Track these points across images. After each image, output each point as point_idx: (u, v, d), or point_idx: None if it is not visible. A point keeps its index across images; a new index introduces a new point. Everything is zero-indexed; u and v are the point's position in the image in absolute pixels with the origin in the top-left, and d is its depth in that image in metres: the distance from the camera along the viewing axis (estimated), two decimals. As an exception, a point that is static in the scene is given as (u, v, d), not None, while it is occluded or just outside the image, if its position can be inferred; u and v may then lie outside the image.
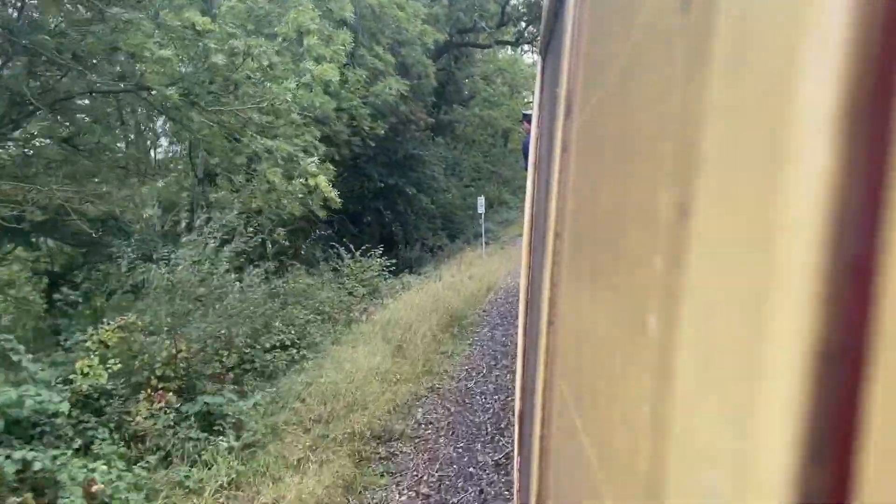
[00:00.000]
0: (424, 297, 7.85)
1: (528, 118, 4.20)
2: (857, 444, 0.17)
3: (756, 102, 0.22)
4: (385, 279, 10.17)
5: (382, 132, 12.02)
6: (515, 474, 2.05)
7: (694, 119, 0.30)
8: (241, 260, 6.79)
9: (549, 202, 1.05)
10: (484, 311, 8.17)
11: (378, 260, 10.15)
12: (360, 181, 13.31)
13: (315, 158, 7.43)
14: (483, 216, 12.47)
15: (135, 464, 3.69)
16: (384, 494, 3.66)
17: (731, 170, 0.25)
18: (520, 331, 2.21)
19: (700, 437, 0.26)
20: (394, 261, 13.36)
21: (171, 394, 4.30)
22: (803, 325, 0.18)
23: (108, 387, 4.17)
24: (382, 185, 13.47)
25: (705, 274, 0.27)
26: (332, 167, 9.35)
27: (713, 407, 0.24)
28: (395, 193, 13.84)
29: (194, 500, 3.39)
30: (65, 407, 3.64)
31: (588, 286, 0.70)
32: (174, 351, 4.59)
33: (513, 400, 3.15)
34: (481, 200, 12.06)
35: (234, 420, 4.27)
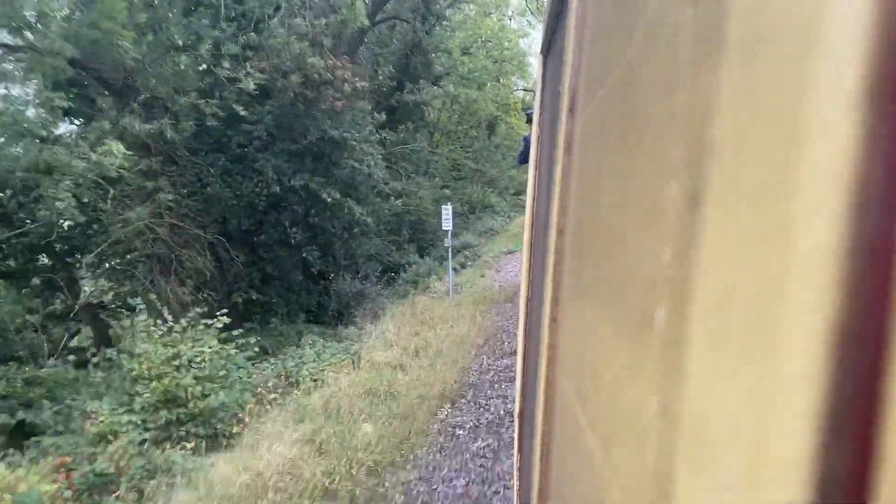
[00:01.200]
0: (295, 434, 3.36)
1: (531, 118, 4.21)
2: (877, 425, 0.17)
3: (772, 86, 0.22)
4: (237, 369, 4.98)
5: (253, 87, 6.92)
6: (515, 473, 2.05)
7: (706, 105, 0.30)
8: None
9: (552, 199, 1.05)
10: (421, 479, 3.06)
11: (213, 341, 4.74)
12: (252, 180, 8.11)
13: None
14: (450, 233, 7.93)
15: None
16: None
17: (745, 156, 0.25)
18: (520, 330, 2.21)
19: (714, 423, 0.26)
20: (317, 302, 8.70)
21: None
22: (822, 308, 0.18)
23: None
24: (282, 187, 8.16)
25: (720, 262, 0.27)
26: (121, 149, 5.21)
27: (728, 391, 0.24)
28: (307, 200, 8.56)
29: None
30: None
31: (592, 282, 0.70)
32: None
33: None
34: (447, 211, 7.80)
35: None
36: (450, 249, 8.25)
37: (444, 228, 7.99)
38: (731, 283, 0.25)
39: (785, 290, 0.20)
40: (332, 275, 9.79)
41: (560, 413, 0.94)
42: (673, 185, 0.37)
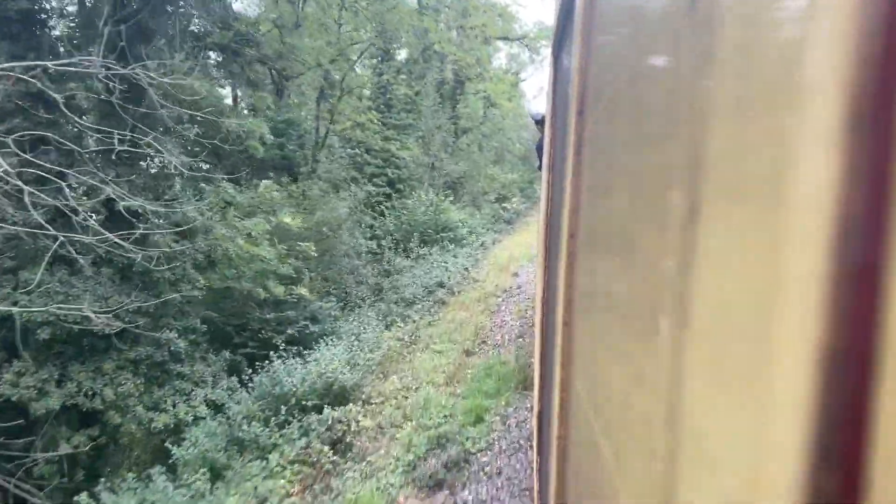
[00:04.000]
0: None
1: (541, 121, 4.16)
2: (865, 447, 0.17)
3: (761, 106, 0.22)
4: None
5: None
6: (535, 475, 2.05)
7: (702, 120, 0.30)
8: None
9: (564, 203, 1.05)
10: None
11: None
12: None
13: None
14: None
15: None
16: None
17: (738, 173, 0.25)
18: (536, 331, 2.20)
19: (712, 440, 0.26)
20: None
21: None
22: (811, 330, 0.18)
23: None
24: None
25: (715, 277, 0.27)
26: None
27: (724, 410, 0.24)
28: None
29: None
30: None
31: (602, 286, 0.70)
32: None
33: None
34: None
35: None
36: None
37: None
38: (726, 298, 0.25)
39: (774, 311, 0.20)
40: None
41: (575, 416, 0.94)
42: (675, 194, 0.37)
